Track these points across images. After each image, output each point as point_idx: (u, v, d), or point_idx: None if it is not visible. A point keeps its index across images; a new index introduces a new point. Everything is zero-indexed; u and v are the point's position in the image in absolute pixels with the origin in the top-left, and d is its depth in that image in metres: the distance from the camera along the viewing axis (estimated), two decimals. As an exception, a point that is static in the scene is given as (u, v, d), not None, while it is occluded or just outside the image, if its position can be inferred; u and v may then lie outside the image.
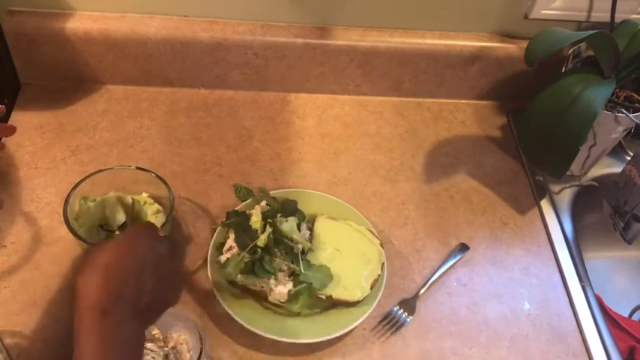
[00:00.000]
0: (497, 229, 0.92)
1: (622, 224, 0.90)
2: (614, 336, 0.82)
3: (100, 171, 0.80)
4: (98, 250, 0.53)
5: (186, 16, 0.97)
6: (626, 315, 1.03)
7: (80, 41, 0.94)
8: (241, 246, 0.75)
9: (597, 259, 1.08)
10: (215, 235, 0.81)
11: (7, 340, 0.71)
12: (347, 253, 0.80)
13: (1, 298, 0.75)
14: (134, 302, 0.52)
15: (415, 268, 0.85)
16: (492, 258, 0.89)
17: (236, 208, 0.81)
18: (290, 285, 0.75)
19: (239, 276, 0.74)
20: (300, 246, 0.77)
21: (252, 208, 0.81)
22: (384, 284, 0.79)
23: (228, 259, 0.75)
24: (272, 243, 0.75)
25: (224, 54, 0.98)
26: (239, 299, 0.76)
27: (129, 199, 0.81)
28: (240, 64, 1.00)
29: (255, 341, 0.73)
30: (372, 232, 0.83)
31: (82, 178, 0.78)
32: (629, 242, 0.91)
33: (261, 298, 0.76)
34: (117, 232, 0.79)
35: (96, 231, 0.78)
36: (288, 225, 0.78)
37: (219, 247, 0.78)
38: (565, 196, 0.98)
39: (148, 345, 0.69)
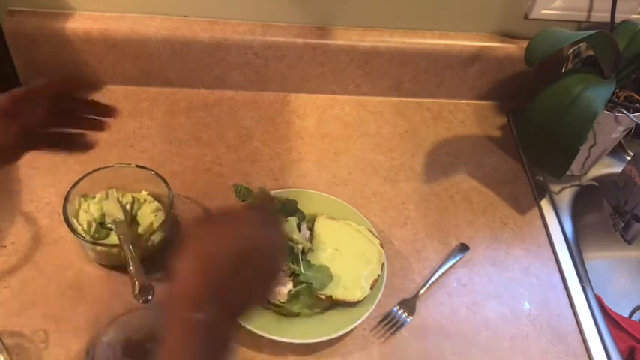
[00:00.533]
0: (497, 229, 0.92)
1: (622, 224, 0.90)
2: (614, 336, 0.82)
3: (100, 169, 0.80)
4: (203, 234, 0.49)
5: (186, 16, 0.97)
6: (626, 315, 1.03)
7: (80, 41, 0.94)
8: None
9: (597, 259, 1.08)
10: None
11: (7, 340, 0.71)
12: (347, 253, 0.80)
13: (1, 298, 0.75)
14: (230, 300, 0.48)
15: (415, 268, 0.85)
16: (492, 258, 0.89)
17: None
18: (290, 285, 0.75)
19: None
20: (299, 246, 0.77)
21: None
22: (384, 284, 0.79)
23: None
24: None
25: (224, 54, 0.98)
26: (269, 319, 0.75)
27: (129, 197, 0.82)
28: (240, 64, 1.00)
29: (255, 341, 0.73)
30: (372, 232, 0.83)
31: (82, 176, 0.78)
32: (629, 242, 0.91)
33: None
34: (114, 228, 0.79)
35: (96, 229, 0.78)
36: (288, 225, 0.78)
37: None
38: (565, 196, 0.98)
39: (148, 345, 0.69)
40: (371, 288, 0.77)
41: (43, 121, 0.59)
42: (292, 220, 0.79)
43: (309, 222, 0.82)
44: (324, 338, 0.73)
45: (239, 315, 0.50)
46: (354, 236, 0.82)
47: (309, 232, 0.81)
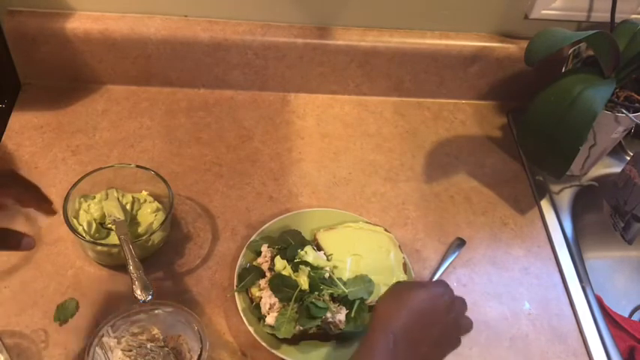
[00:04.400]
0: (497, 229, 0.92)
1: (622, 224, 0.90)
2: (614, 336, 0.82)
3: (100, 169, 0.80)
4: (407, 290, 0.64)
5: (186, 16, 0.97)
6: (626, 315, 1.03)
7: (80, 41, 0.94)
8: (285, 299, 0.73)
9: (597, 259, 1.08)
10: (238, 301, 0.76)
11: (7, 340, 0.71)
12: (365, 253, 0.79)
13: (1, 298, 0.75)
14: (416, 344, 0.60)
15: (415, 268, 0.85)
16: (492, 258, 0.89)
17: (237, 267, 0.79)
18: (344, 309, 0.73)
19: (297, 327, 0.72)
20: (327, 269, 0.76)
21: (254, 259, 0.79)
22: (411, 267, 0.80)
23: (276, 318, 0.72)
24: (313, 280, 0.74)
25: (224, 54, 0.98)
26: (299, 346, 0.74)
27: (129, 197, 0.82)
28: (240, 64, 1.00)
29: (255, 341, 0.73)
30: (369, 223, 0.83)
31: (82, 175, 0.78)
32: (629, 242, 0.91)
33: (319, 336, 0.74)
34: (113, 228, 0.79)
35: (96, 229, 0.78)
36: (308, 254, 0.77)
37: (255, 310, 0.75)
38: (565, 196, 0.98)
39: (149, 345, 0.69)
40: (404, 272, 0.78)
41: None
42: (309, 249, 0.77)
43: (313, 242, 0.81)
44: None
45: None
46: (360, 235, 0.81)
47: (322, 251, 0.79)
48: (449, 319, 0.64)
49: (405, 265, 0.78)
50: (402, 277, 0.78)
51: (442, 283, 0.67)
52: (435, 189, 0.96)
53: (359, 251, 0.79)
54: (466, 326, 0.67)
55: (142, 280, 0.71)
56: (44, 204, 0.64)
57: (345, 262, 0.78)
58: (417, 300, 0.62)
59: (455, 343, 0.66)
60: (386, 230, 0.81)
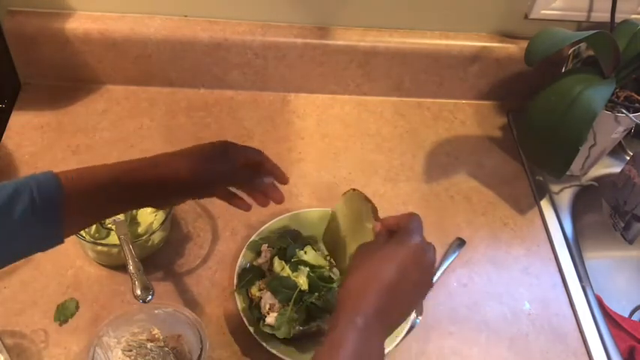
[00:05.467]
0: (497, 229, 0.92)
1: (622, 224, 0.90)
2: (614, 336, 0.82)
3: (100, 170, 0.80)
4: (376, 255, 0.58)
5: (186, 16, 0.97)
6: (626, 315, 1.02)
7: (80, 41, 0.94)
8: (285, 300, 0.73)
9: (597, 259, 1.08)
10: (238, 301, 0.75)
11: (7, 340, 0.71)
12: (356, 233, 0.71)
13: (1, 298, 0.75)
14: (386, 319, 0.55)
15: (415, 268, 0.85)
16: (492, 258, 0.89)
17: (237, 267, 0.78)
18: None
19: (297, 327, 0.72)
20: (327, 268, 0.76)
21: (254, 259, 0.79)
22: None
23: (276, 318, 0.72)
24: (313, 280, 0.73)
25: (224, 54, 0.98)
26: (299, 346, 0.73)
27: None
28: (240, 64, 1.00)
29: (255, 341, 0.73)
30: (345, 195, 0.76)
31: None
32: (630, 242, 0.91)
33: (319, 336, 0.74)
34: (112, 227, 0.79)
35: (96, 229, 0.78)
36: (310, 255, 0.76)
37: (255, 310, 0.74)
38: (565, 196, 0.98)
39: (149, 345, 0.69)
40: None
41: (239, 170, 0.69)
42: (309, 249, 0.77)
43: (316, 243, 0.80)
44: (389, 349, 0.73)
45: (389, 330, 0.57)
46: (345, 214, 0.75)
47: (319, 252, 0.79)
48: (421, 276, 0.58)
49: (374, 211, 0.70)
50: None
51: (409, 235, 0.59)
52: (435, 189, 0.96)
53: (347, 236, 0.72)
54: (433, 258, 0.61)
55: (142, 280, 0.71)
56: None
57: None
58: (385, 274, 0.56)
59: (427, 288, 0.61)
60: (367, 199, 0.73)
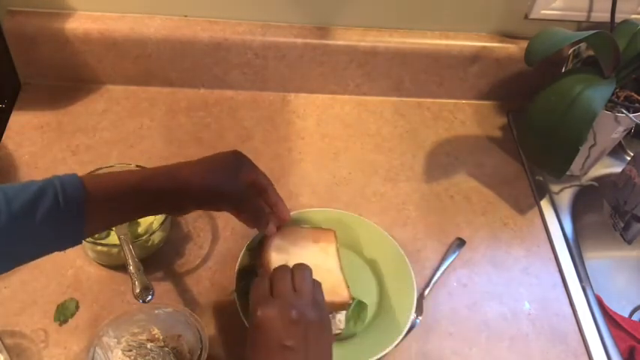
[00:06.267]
0: (498, 229, 0.92)
1: (622, 224, 0.90)
2: (614, 336, 0.82)
3: (100, 169, 0.80)
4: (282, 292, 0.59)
5: (186, 16, 0.97)
6: (626, 315, 1.03)
7: (80, 41, 0.94)
8: None
9: (597, 259, 1.08)
10: (238, 301, 0.74)
11: (7, 340, 0.71)
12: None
13: (1, 298, 0.75)
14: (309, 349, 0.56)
15: (415, 268, 0.84)
16: (492, 258, 0.89)
17: (237, 267, 0.77)
18: (343, 311, 0.73)
19: None
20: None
21: (254, 259, 0.78)
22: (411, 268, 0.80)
23: None
24: None
25: (224, 54, 0.98)
26: None
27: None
28: (240, 64, 1.00)
29: (255, 341, 0.73)
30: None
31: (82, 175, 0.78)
32: (629, 242, 0.91)
33: None
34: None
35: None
36: None
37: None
38: (565, 196, 0.98)
39: (149, 345, 0.69)
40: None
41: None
42: None
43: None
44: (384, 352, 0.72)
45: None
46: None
47: None
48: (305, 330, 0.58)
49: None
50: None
51: (255, 305, 0.59)
52: (435, 189, 0.96)
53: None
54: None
55: (142, 280, 0.71)
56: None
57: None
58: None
59: (329, 337, 0.61)
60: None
